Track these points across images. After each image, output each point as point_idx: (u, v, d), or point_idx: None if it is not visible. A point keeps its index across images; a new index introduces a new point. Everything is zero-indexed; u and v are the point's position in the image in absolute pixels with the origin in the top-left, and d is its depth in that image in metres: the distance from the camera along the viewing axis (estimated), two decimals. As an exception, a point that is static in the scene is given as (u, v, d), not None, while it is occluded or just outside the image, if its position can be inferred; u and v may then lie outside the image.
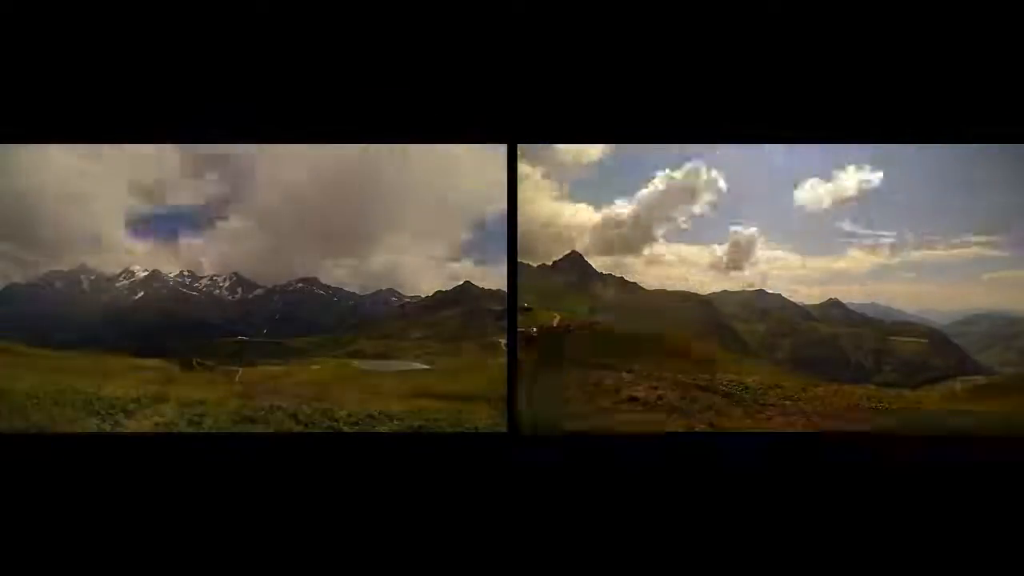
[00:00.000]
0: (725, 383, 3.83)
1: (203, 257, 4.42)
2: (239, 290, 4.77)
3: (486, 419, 3.15)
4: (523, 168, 3.17)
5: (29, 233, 3.83)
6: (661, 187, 4.11)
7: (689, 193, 4.12)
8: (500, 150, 3.06)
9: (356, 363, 4.31)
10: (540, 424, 3.08)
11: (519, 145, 3.06)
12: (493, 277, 3.18)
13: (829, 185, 3.95)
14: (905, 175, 3.77)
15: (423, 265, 4.32)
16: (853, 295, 4.36)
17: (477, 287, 4.20)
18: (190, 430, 3.04)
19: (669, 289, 4.48)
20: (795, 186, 4.01)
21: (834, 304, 4.46)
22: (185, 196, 4.02)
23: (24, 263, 3.89)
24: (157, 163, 3.85)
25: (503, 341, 3.30)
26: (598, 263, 4.46)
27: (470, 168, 3.59)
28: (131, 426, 3.03)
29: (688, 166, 4.03)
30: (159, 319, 4.48)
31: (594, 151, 3.97)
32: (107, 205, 4.01)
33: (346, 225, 4.30)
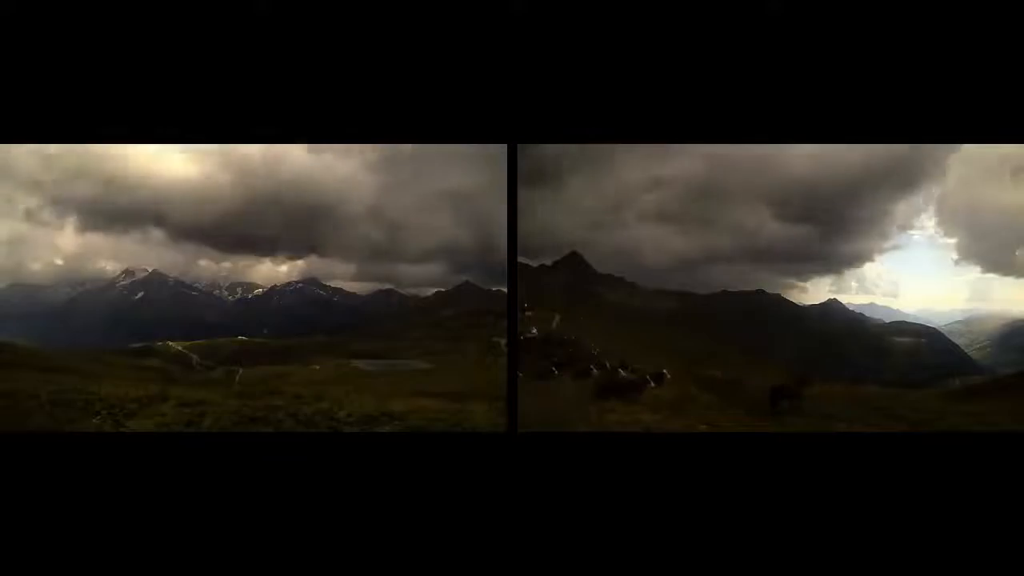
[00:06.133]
0: (724, 383, 3.84)
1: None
2: (239, 290, 4.77)
3: (486, 419, 3.15)
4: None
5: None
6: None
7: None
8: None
9: (356, 363, 4.31)
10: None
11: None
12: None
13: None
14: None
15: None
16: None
17: (477, 287, 4.20)
18: (190, 430, 3.03)
19: (668, 290, 4.49)
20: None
21: (834, 304, 4.45)
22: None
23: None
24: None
25: (503, 341, 3.29)
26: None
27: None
28: (131, 426, 3.03)
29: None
30: (159, 319, 4.48)
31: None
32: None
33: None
